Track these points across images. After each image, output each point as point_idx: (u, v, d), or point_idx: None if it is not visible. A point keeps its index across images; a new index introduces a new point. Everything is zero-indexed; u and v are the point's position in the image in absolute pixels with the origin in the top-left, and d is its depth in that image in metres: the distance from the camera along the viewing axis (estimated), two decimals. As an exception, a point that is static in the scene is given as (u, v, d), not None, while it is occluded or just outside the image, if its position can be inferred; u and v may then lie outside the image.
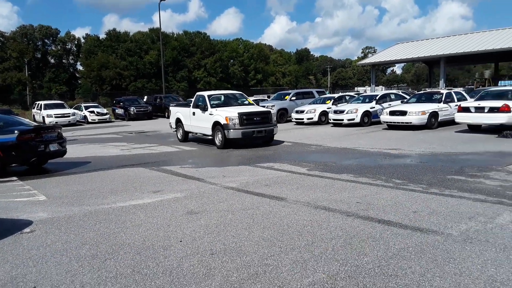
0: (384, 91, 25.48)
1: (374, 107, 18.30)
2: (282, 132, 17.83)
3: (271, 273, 3.56)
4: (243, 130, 12.05)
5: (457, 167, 7.85)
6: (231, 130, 12.01)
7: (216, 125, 12.55)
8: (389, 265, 3.60)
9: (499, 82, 49.71)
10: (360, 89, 58.57)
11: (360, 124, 17.68)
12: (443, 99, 16.15)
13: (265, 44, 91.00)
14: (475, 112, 13.30)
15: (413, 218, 4.87)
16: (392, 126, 16.07)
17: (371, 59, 46.11)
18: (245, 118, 12.16)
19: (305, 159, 9.87)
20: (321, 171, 8.20)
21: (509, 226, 4.44)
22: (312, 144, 12.70)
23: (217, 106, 13.30)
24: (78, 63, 71.11)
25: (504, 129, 12.49)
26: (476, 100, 14.20)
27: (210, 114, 12.85)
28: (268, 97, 35.08)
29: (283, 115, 22.61)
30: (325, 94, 26.28)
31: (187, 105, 16.75)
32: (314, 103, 21.77)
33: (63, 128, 11.34)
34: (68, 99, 51.59)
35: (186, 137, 14.93)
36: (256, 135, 12.37)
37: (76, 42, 71.57)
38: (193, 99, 14.38)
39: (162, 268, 3.76)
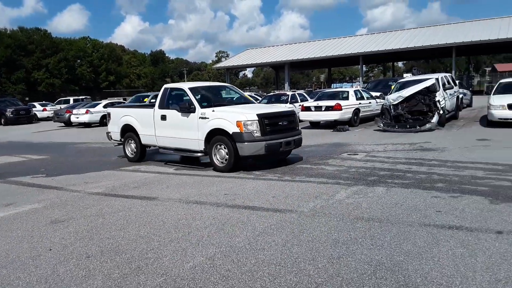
0: (239, 93, 27.12)
1: (231, 108, 19.42)
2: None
3: (153, 264, 3.75)
4: (268, 142, 7.67)
5: (304, 157, 9.12)
6: (247, 143, 7.55)
7: (215, 135, 8.01)
8: (257, 241, 4.17)
9: (332, 84, 57.71)
10: (216, 92, 60.61)
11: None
12: (289, 100, 18.20)
13: (117, 44, 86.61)
14: (315, 110, 15.45)
15: (273, 202, 5.62)
16: (248, 125, 17.36)
17: (225, 63, 48.34)
18: (267, 123, 7.79)
19: (173, 159, 10.05)
20: (189, 170, 8.54)
21: (345, 201, 5.52)
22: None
23: (210, 105, 8.60)
24: None
25: (337, 124, 14.83)
26: (315, 100, 16.47)
27: (203, 117, 8.20)
28: (124, 99, 33.72)
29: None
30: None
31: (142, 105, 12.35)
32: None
33: None
34: None
35: (143, 154, 10.01)
36: (283, 149, 8.13)
37: None
38: (159, 96, 9.39)
39: (36, 277, 3.59)
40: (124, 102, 27.89)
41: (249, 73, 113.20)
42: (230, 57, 55.74)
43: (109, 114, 10.91)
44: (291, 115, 8.57)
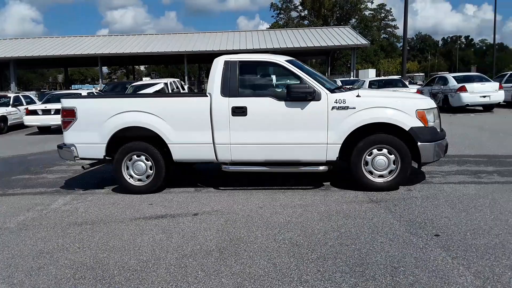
0: None
1: None
2: None
3: None
4: (446, 140, 5.57)
5: (23, 167, 8.19)
6: (432, 144, 5.21)
7: (366, 134, 5.24)
8: None
9: (72, 86, 53.72)
10: None
11: None
12: (11, 102, 15.87)
13: None
14: (43, 114, 14.05)
15: (-31, 223, 4.81)
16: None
17: None
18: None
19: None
20: None
21: (61, 208, 5.30)
22: None
23: (332, 89, 5.54)
24: None
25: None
26: (43, 103, 14.97)
27: (341, 107, 5.23)
28: None
29: None
30: None
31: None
32: None
33: None
34: None
35: (167, 178, 5.92)
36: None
37: None
38: (215, 76, 5.53)
39: None
40: None
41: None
42: None
43: (70, 111, 5.84)
44: None
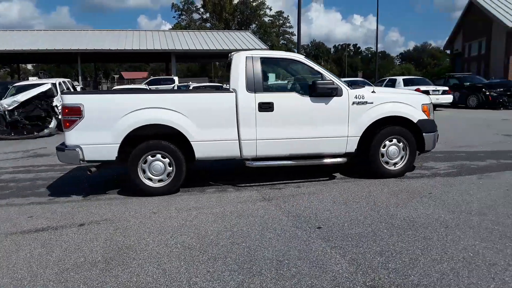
0: None
1: None
2: None
3: None
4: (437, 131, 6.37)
5: None
6: (433, 134, 6.04)
7: (380, 127, 5.82)
8: None
9: None
10: None
11: None
12: None
13: None
14: None
15: None
16: None
17: None
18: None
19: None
20: None
21: None
22: None
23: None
24: None
25: None
26: None
27: (360, 102, 5.70)
28: None
29: None
30: None
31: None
32: None
33: None
34: None
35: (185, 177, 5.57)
36: None
37: None
38: (239, 71, 5.51)
39: None
40: None
41: None
42: None
43: (75, 108, 5.13)
44: None
